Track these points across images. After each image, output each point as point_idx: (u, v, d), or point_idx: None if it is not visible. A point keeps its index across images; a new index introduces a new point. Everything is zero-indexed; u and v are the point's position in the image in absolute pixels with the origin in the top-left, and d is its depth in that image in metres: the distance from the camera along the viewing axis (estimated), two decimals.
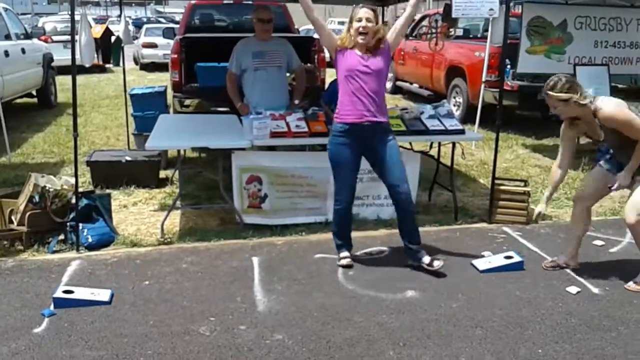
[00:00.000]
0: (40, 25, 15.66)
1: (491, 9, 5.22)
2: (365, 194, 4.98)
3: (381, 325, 3.37)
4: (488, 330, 3.34)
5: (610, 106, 3.57)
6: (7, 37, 8.86)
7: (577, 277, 4.03)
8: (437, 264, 4.01)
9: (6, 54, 8.35)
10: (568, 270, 4.12)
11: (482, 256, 4.32)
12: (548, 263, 4.18)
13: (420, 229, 4.84)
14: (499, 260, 4.19)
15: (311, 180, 4.85)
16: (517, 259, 4.18)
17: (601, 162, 3.97)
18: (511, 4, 6.07)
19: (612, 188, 3.80)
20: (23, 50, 9.15)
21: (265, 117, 4.76)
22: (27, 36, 9.92)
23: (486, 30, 9.27)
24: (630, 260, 4.20)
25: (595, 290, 3.85)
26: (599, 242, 4.65)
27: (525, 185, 5.16)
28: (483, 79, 7.78)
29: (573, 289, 3.83)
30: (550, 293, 3.80)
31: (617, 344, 3.23)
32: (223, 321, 3.39)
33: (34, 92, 10.25)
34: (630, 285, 3.85)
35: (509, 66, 7.88)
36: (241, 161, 4.74)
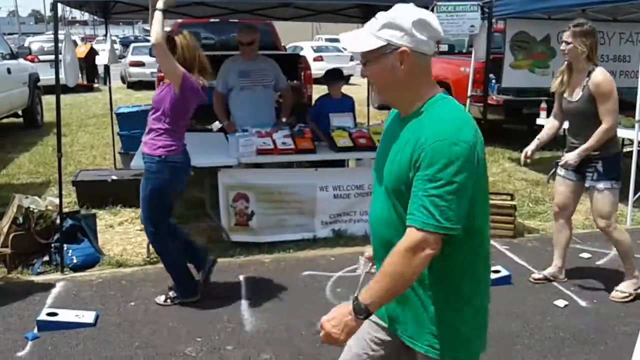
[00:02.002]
0: (26, 44, 15.62)
1: (472, 26, 5.26)
2: (352, 210, 4.98)
3: None
4: None
5: (606, 75, 3.72)
6: None
7: (564, 290, 4.04)
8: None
9: None
10: (555, 284, 4.12)
11: None
12: (536, 276, 4.19)
13: None
14: None
15: (298, 197, 4.84)
16: (504, 273, 4.18)
17: (558, 171, 4.09)
18: (493, 20, 6.13)
19: (560, 163, 3.98)
20: (9, 70, 9.13)
21: (251, 134, 4.76)
22: (13, 56, 9.89)
23: (471, 45, 9.37)
24: (618, 272, 4.21)
25: (582, 303, 3.85)
26: (585, 255, 4.66)
27: (511, 199, 5.18)
28: (468, 94, 7.83)
29: (561, 302, 3.83)
30: (538, 307, 3.80)
31: (606, 357, 3.22)
32: (209, 341, 3.35)
33: (20, 112, 10.21)
34: (615, 294, 3.86)
35: (494, 81, 7.95)
36: (228, 179, 4.72)
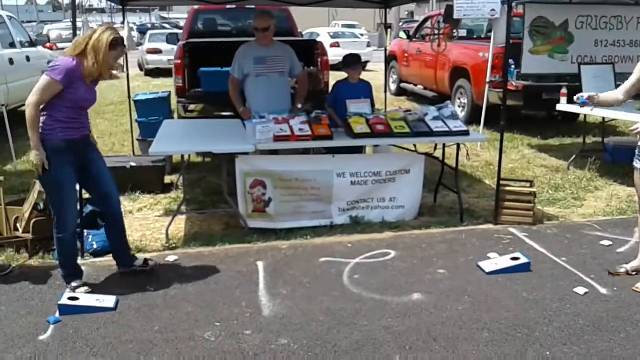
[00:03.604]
0: (45, 32, 15.73)
1: (493, 10, 5.21)
2: (370, 196, 4.97)
3: (387, 329, 3.35)
4: (495, 333, 3.31)
5: None
6: (12, 45, 8.91)
7: (584, 277, 4.00)
8: (152, 263, 4.11)
9: (11, 61, 8.39)
10: (575, 271, 4.08)
11: (489, 258, 4.29)
12: (620, 269, 4.05)
13: (426, 231, 4.87)
14: (505, 261, 4.16)
15: (315, 184, 4.83)
16: (523, 260, 4.15)
17: (635, 164, 3.88)
18: (513, 4, 6.05)
19: (631, 128, 3.84)
20: (28, 58, 9.20)
21: (268, 121, 4.75)
22: (32, 44, 9.96)
23: (490, 30, 9.26)
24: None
25: (603, 290, 3.82)
26: (606, 243, 4.61)
27: (531, 186, 5.13)
28: (487, 80, 7.76)
29: (581, 290, 3.80)
30: (557, 294, 3.77)
31: (626, 345, 3.19)
32: (228, 326, 3.38)
33: None
34: (639, 286, 3.81)
35: (513, 66, 7.85)
36: (245, 166, 4.73)
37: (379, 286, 3.88)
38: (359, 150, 5.44)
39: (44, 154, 3.59)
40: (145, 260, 4.15)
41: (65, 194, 3.74)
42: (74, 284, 3.82)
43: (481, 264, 4.17)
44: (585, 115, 7.03)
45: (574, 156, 6.91)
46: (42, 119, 3.63)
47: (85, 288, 3.82)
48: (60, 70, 3.56)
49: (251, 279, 4.00)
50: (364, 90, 5.46)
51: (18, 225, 4.52)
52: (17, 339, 3.24)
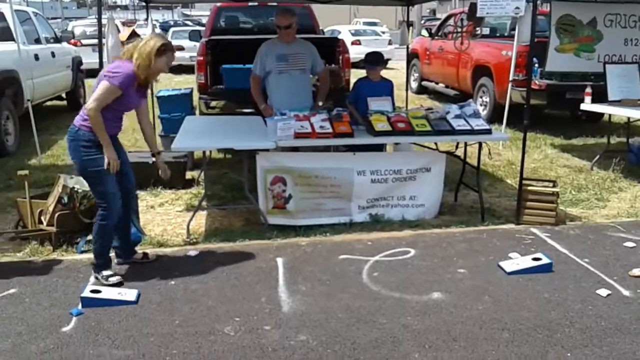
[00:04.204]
0: (69, 29, 15.91)
1: (517, 8, 5.16)
2: (390, 195, 4.96)
3: (406, 327, 3.34)
4: (515, 333, 3.29)
5: None
6: (37, 41, 9.04)
7: (607, 279, 3.95)
8: (151, 256, 4.22)
9: (36, 57, 8.51)
10: (598, 272, 4.03)
11: (510, 258, 4.26)
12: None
13: (446, 229, 4.85)
14: (526, 261, 4.12)
15: (335, 181, 4.83)
16: (545, 260, 4.11)
17: None
18: (538, 2, 5.98)
19: None
20: (53, 54, 9.33)
21: (289, 118, 4.76)
22: (57, 40, 10.10)
23: (513, 28, 9.16)
24: None
25: (626, 292, 3.76)
26: (630, 244, 4.54)
27: (554, 186, 5.07)
28: (510, 78, 7.68)
29: (603, 292, 3.75)
30: (579, 295, 3.72)
31: None
32: (248, 321, 3.40)
33: (64, 95, 10.44)
34: None
35: (536, 65, 7.77)
36: (266, 162, 4.75)
37: (398, 284, 3.87)
38: (379, 148, 5.43)
39: (114, 153, 3.76)
40: (144, 253, 4.24)
41: (109, 185, 3.83)
42: (105, 273, 3.91)
43: (502, 263, 4.14)
44: (609, 115, 6.93)
45: (598, 156, 6.82)
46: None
47: (117, 277, 3.90)
48: (121, 76, 3.68)
49: (270, 274, 4.01)
50: (385, 88, 5.45)
51: (42, 218, 4.59)
52: (41, 330, 3.30)
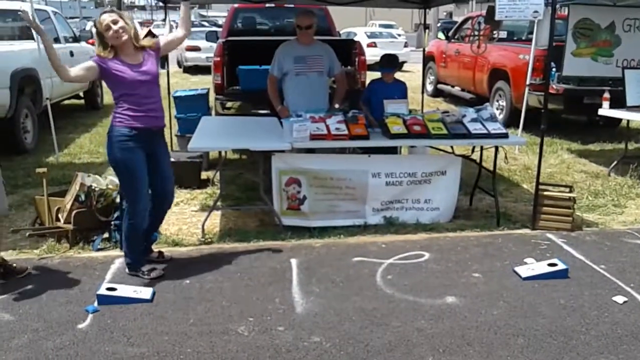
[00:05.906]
0: (87, 28, 16.04)
1: (535, 12, 5.12)
2: (404, 197, 4.95)
3: (420, 331, 3.33)
4: (530, 339, 3.27)
5: None
6: (56, 40, 9.13)
7: (624, 286, 3.91)
8: (167, 255, 4.27)
9: None
10: (614, 279, 3.99)
11: (525, 263, 4.23)
12: None
13: (461, 234, 4.83)
14: (542, 267, 4.09)
15: (350, 183, 4.83)
16: (561, 266, 4.08)
17: None
18: (557, 6, 5.93)
19: None
20: (71, 53, 9.42)
21: (305, 119, 4.77)
22: (76, 39, 10.21)
23: (531, 32, 9.11)
24: None
25: None
26: None
27: (570, 191, 5.03)
28: (527, 82, 7.63)
29: (620, 299, 3.71)
30: (595, 302, 3.69)
31: None
32: (261, 322, 3.41)
33: (81, 94, 10.55)
34: None
35: (554, 69, 7.71)
36: (281, 163, 4.76)
37: (412, 287, 3.86)
38: (394, 150, 5.42)
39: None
40: (160, 252, 4.27)
41: (139, 184, 3.86)
42: (144, 269, 3.97)
43: (517, 269, 4.11)
44: (628, 121, 6.86)
45: (615, 162, 6.75)
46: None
47: (158, 271, 3.99)
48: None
49: (284, 275, 4.02)
50: (398, 90, 5.44)
51: (59, 215, 4.63)
52: (57, 327, 3.33)
